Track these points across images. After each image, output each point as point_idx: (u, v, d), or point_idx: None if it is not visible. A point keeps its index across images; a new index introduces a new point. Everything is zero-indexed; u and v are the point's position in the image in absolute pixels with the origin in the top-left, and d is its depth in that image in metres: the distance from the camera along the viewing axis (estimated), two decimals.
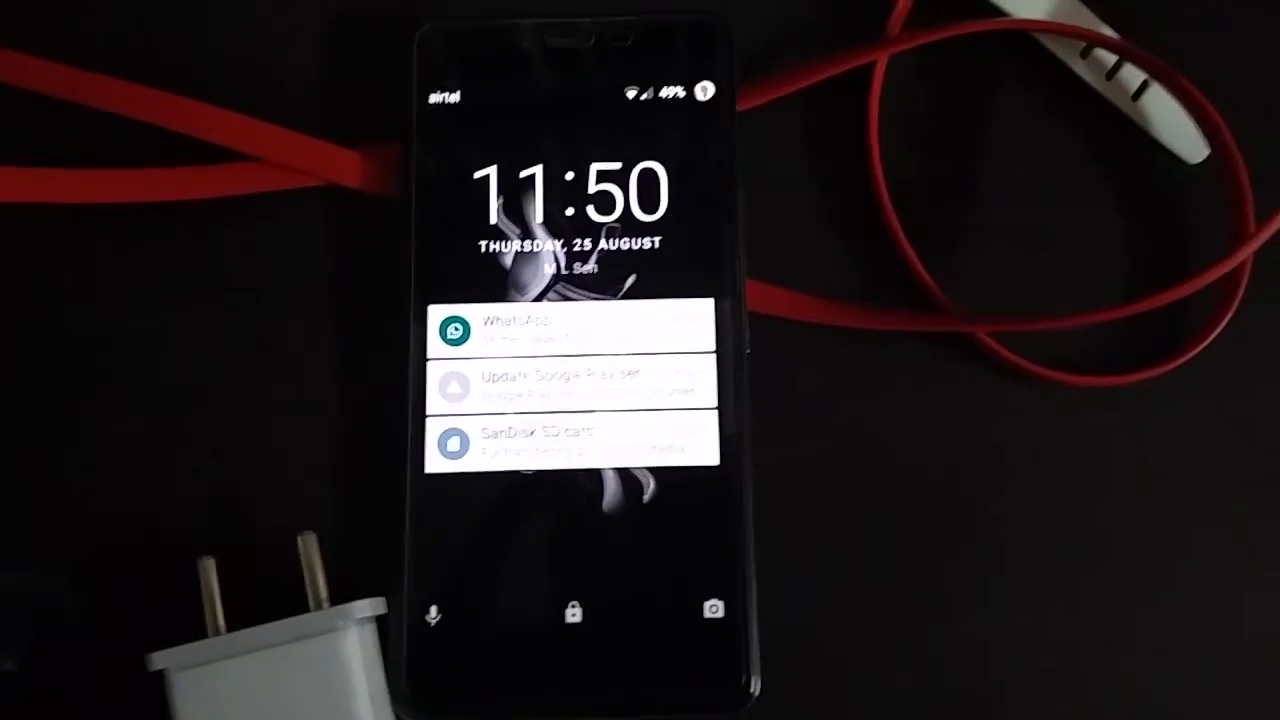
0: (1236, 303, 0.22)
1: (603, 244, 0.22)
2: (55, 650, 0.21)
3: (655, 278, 0.22)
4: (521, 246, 0.22)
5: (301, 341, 0.23)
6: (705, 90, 0.23)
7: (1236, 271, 0.22)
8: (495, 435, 0.22)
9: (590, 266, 0.22)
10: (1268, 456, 0.22)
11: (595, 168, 0.22)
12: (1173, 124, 0.23)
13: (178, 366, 0.23)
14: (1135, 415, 0.23)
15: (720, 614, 0.21)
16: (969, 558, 0.22)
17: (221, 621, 0.20)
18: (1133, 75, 0.23)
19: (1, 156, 0.23)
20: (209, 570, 0.21)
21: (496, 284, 0.22)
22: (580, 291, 0.22)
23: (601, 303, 0.22)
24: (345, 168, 0.23)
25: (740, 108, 0.23)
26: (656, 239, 0.22)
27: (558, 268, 0.22)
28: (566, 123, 0.22)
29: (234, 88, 0.23)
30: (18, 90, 0.23)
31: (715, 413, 0.21)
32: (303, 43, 0.24)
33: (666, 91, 0.23)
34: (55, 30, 0.24)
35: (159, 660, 0.20)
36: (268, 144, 0.23)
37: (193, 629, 0.20)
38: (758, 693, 0.20)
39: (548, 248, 0.22)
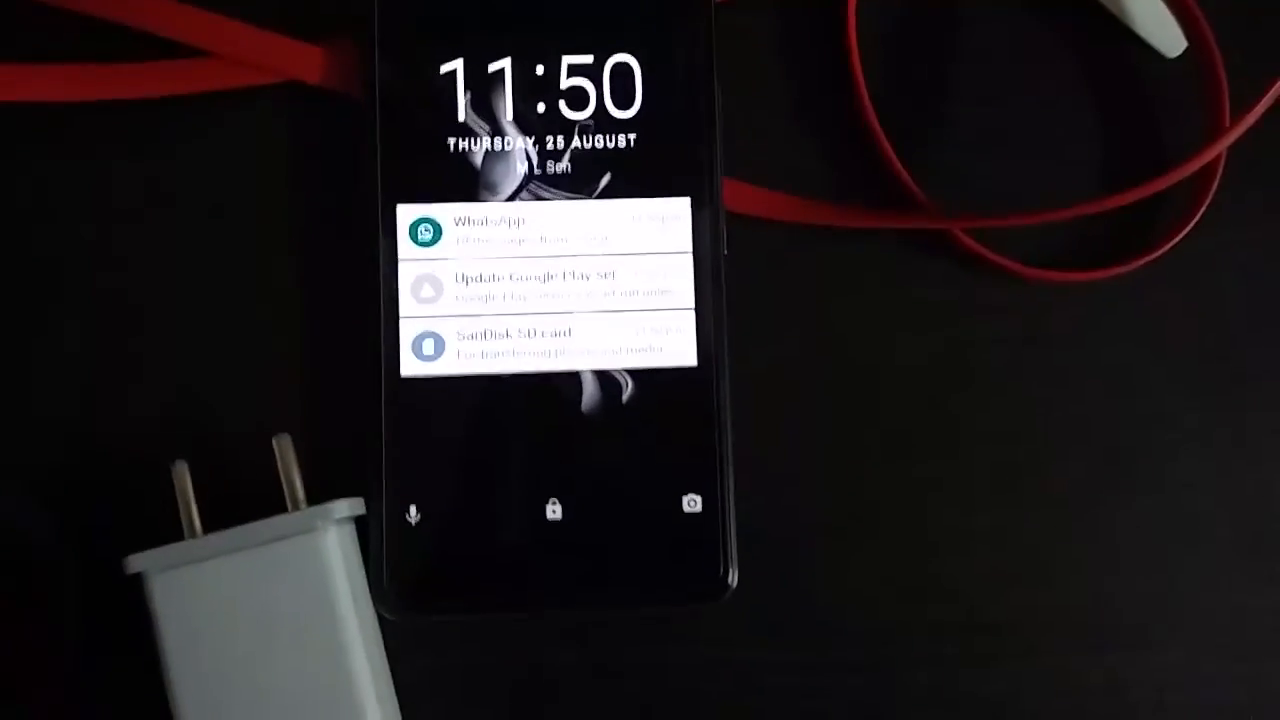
0: (1209, 198, 0.22)
1: (576, 142, 0.22)
2: (27, 569, 0.21)
3: (630, 176, 0.22)
4: (492, 145, 0.22)
5: (267, 246, 0.22)
6: None
7: (1210, 167, 0.22)
8: (471, 338, 0.21)
9: (564, 165, 0.22)
10: (1239, 351, 0.23)
11: (567, 61, 0.22)
12: (1152, 17, 0.23)
13: (138, 276, 0.22)
14: (1109, 310, 0.23)
15: (699, 509, 0.21)
16: (940, 453, 0.22)
17: (198, 525, 0.20)
18: None
19: None
20: (183, 474, 0.20)
21: (467, 183, 0.22)
22: (554, 191, 0.22)
23: (576, 202, 0.22)
24: (306, 63, 0.22)
25: (717, 0, 0.22)
26: (631, 136, 0.22)
27: (530, 166, 0.22)
28: (536, 14, 0.22)
29: None
30: None
31: (692, 313, 0.21)
32: None
33: None
34: None
35: (136, 563, 0.20)
36: (224, 38, 0.22)
37: (170, 537, 0.20)
38: (735, 584, 0.21)
39: (519, 146, 0.22)
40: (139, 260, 0.22)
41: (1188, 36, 0.23)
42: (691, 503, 0.21)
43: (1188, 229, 0.22)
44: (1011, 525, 0.22)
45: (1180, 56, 0.23)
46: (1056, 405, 0.23)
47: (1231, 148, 0.22)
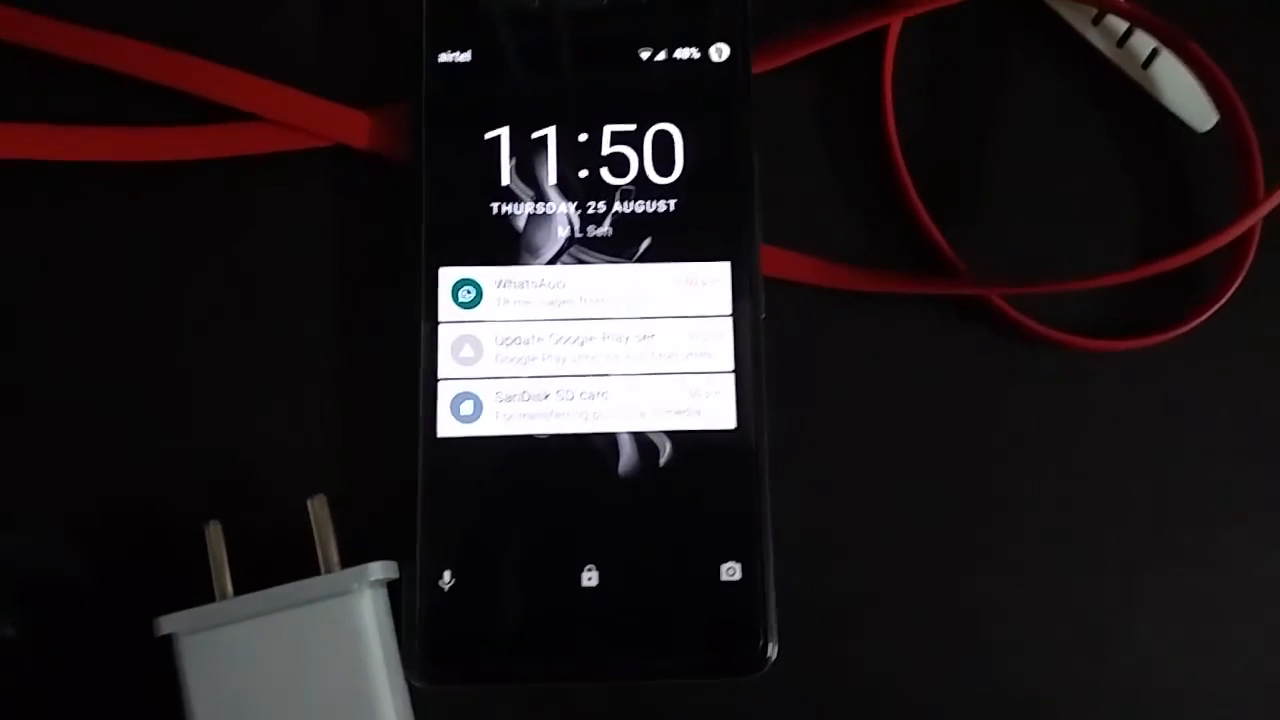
0: (1246, 269, 0.22)
1: (617, 206, 0.22)
2: (58, 617, 0.21)
3: (670, 241, 0.22)
4: (534, 209, 0.22)
5: (311, 305, 0.22)
6: (720, 52, 0.22)
7: (1245, 237, 0.22)
8: (509, 399, 0.21)
9: (605, 229, 0.22)
10: (1275, 422, 0.23)
11: (609, 129, 0.22)
12: (1183, 91, 0.23)
13: (184, 331, 0.22)
14: (1144, 380, 0.23)
15: (737, 577, 0.21)
16: (981, 522, 0.22)
17: (229, 586, 0.20)
18: (1143, 42, 0.23)
19: (1, 113, 0.22)
20: (216, 534, 0.20)
21: (509, 247, 0.22)
22: (594, 254, 0.22)
23: (616, 266, 0.22)
24: (354, 128, 0.23)
25: (755, 70, 0.22)
26: (671, 202, 0.22)
27: (571, 230, 0.22)
28: (580, 83, 0.22)
29: (239, 46, 0.23)
30: (19, 47, 0.23)
31: (732, 376, 0.21)
32: (310, 1, 0.23)
33: (681, 53, 0.22)
34: None
35: (167, 624, 0.19)
36: (274, 103, 0.22)
37: (199, 595, 0.20)
38: (775, 656, 0.20)
39: (561, 210, 0.22)
40: (181, 321, 0.22)
41: (1219, 110, 0.23)
42: (730, 571, 0.21)
43: (1226, 297, 0.22)
44: (1057, 594, 0.22)
45: (1212, 129, 0.23)
46: (1097, 474, 0.22)
47: (1266, 217, 0.22)
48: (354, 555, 0.20)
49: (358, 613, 0.20)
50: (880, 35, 0.23)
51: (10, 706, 0.20)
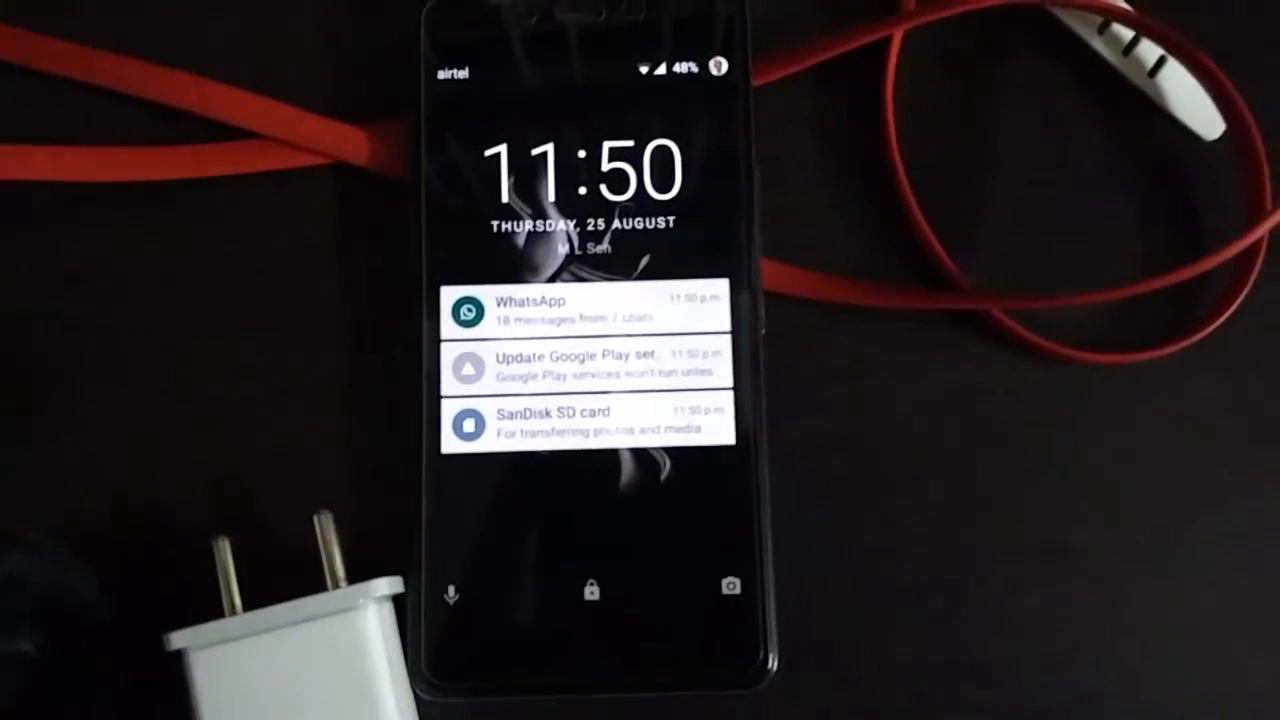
0: (1252, 280, 0.22)
1: (616, 223, 0.22)
2: (70, 632, 0.21)
3: (670, 257, 0.22)
4: (534, 226, 0.22)
5: (312, 323, 0.23)
6: (719, 66, 0.22)
7: (1252, 249, 0.22)
8: (511, 416, 0.21)
9: (604, 246, 0.22)
10: (1278, 436, 0.23)
11: (608, 145, 0.22)
12: (1189, 100, 0.23)
13: (186, 348, 0.23)
14: (1149, 393, 0.23)
15: (737, 591, 0.21)
16: (982, 535, 0.22)
17: (238, 601, 0.20)
18: (1149, 51, 0.23)
19: (3, 134, 0.23)
20: (224, 550, 0.20)
21: (509, 264, 0.22)
22: (594, 272, 0.22)
23: (616, 283, 0.22)
24: (353, 146, 0.23)
25: (754, 83, 0.22)
26: (671, 218, 0.22)
27: (571, 248, 0.22)
28: (578, 100, 0.22)
29: (238, 64, 0.23)
30: (19, 67, 0.23)
31: (731, 393, 0.21)
32: (309, 19, 0.23)
33: (680, 67, 0.22)
34: (58, 7, 0.23)
35: (178, 640, 0.20)
36: (274, 121, 0.23)
37: (208, 610, 0.20)
38: (775, 669, 0.21)
39: (560, 227, 0.22)
40: (186, 336, 0.23)
41: (1226, 119, 0.23)
42: (730, 585, 0.21)
43: (1231, 310, 0.22)
44: (1056, 607, 0.22)
45: (1219, 138, 0.23)
46: (1099, 487, 0.22)
47: (1274, 228, 0.22)
48: (362, 568, 0.21)
49: (363, 628, 0.20)
50: (882, 46, 0.23)
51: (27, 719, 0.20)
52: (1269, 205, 0.22)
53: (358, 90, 0.23)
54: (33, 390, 0.22)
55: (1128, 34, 0.23)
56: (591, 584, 0.21)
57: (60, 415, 0.22)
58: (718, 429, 0.21)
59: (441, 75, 0.22)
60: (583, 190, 0.22)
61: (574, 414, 0.21)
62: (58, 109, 0.23)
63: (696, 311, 0.22)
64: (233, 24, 0.23)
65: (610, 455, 0.21)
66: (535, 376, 0.22)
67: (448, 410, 0.21)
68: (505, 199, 0.22)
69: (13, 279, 0.23)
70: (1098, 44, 0.23)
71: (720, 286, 0.22)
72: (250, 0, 0.23)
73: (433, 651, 0.21)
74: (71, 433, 0.22)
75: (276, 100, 0.23)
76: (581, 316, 0.22)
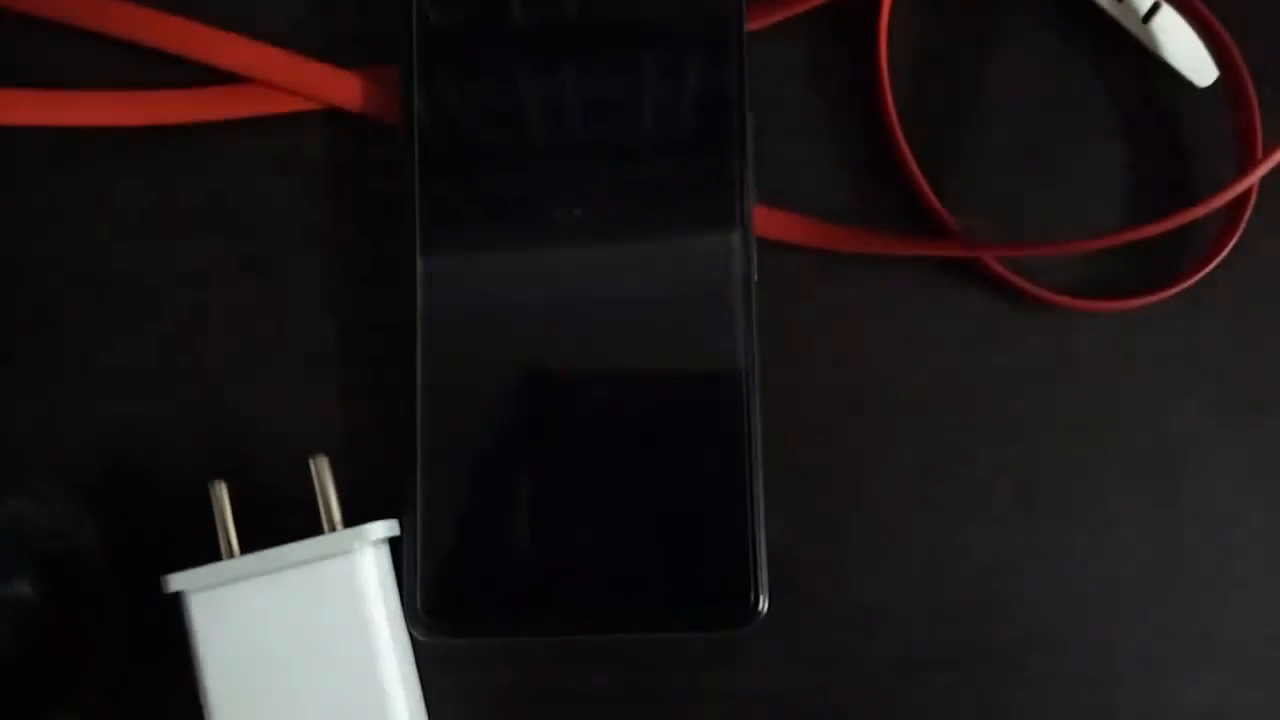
0: (1242, 227, 0.22)
1: (609, 166, 0.22)
2: (69, 580, 0.21)
3: (662, 202, 0.22)
4: (527, 167, 0.22)
5: (305, 267, 0.23)
6: (712, 8, 0.22)
7: (1243, 197, 0.22)
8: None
9: (597, 189, 0.22)
10: (1270, 381, 0.23)
11: (601, 87, 0.22)
12: (1183, 47, 0.23)
13: (176, 293, 0.23)
14: (1140, 340, 0.23)
15: (729, 532, 0.21)
16: (969, 478, 0.22)
17: (236, 545, 0.21)
18: None
19: None
20: (221, 494, 0.21)
21: (502, 206, 0.22)
22: (589, 218, 0.22)
23: (610, 229, 0.22)
24: (344, 90, 0.23)
25: (749, 28, 0.22)
26: (665, 164, 0.22)
27: (565, 193, 0.22)
28: (571, 43, 0.22)
29: (230, 8, 0.23)
30: (8, 11, 0.22)
31: (726, 337, 0.22)
32: None
33: (675, 9, 0.22)
34: None
35: (176, 582, 0.20)
36: (263, 65, 0.22)
37: (204, 555, 0.20)
38: (765, 610, 0.21)
39: (553, 169, 0.22)
40: (179, 281, 0.23)
41: (1219, 65, 0.23)
42: (722, 526, 0.21)
43: (1220, 257, 0.22)
44: (1041, 551, 0.22)
45: (1212, 85, 0.23)
46: (1088, 433, 0.23)
47: (1264, 176, 0.22)
48: (358, 511, 0.21)
49: (360, 571, 0.20)
50: None
51: (27, 666, 0.21)
52: (1260, 153, 0.22)
53: (351, 31, 0.23)
54: (26, 338, 0.22)
55: None
56: (585, 525, 0.21)
57: (51, 361, 0.22)
58: (711, 373, 0.21)
59: (434, 19, 0.22)
60: (576, 131, 0.22)
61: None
62: (48, 54, 0.23)
63: (690, 258, 0.22)
64: None
65: (605, 397, 0.21)
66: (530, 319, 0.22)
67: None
68: (497, 140, 0.22)
69: (2, 226, 0.23)
70: None
71: (713, 231, 0.22)
72: None
73: (428, 593, 0.21)
74: (64, 380, 0.22)
75: (268, 44, 0.22)
76: (575, 263, 0.22)
